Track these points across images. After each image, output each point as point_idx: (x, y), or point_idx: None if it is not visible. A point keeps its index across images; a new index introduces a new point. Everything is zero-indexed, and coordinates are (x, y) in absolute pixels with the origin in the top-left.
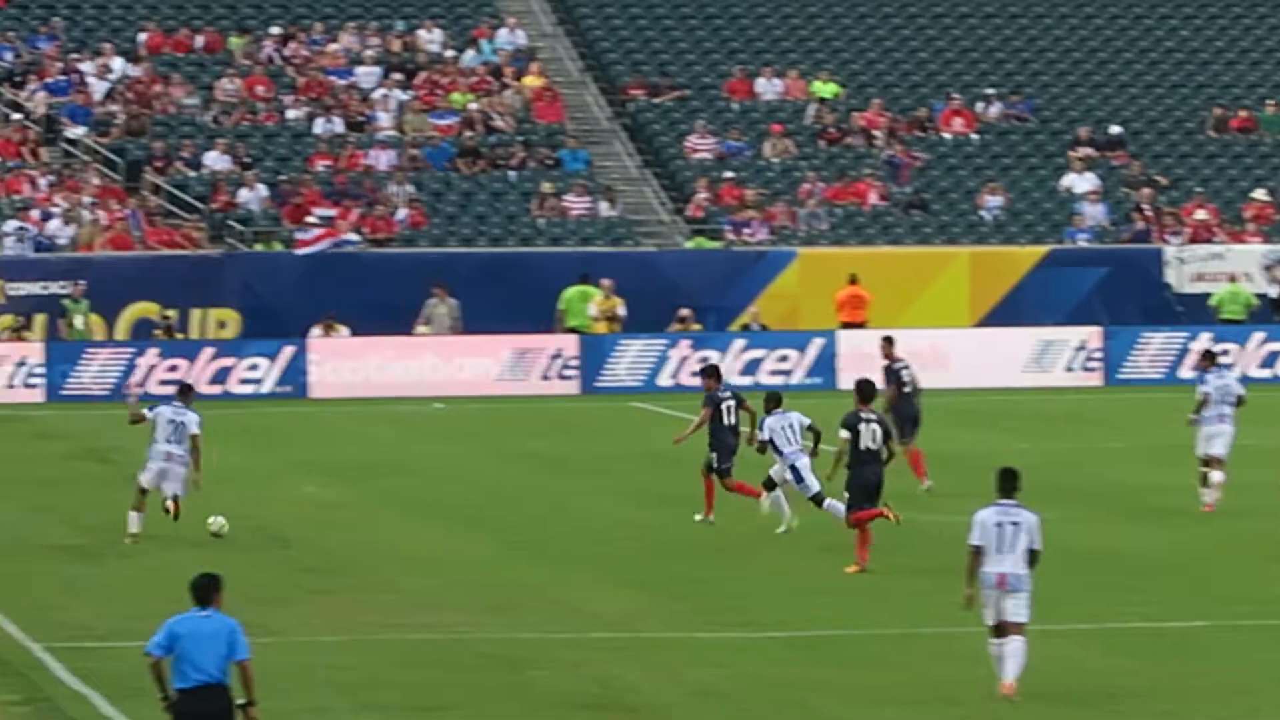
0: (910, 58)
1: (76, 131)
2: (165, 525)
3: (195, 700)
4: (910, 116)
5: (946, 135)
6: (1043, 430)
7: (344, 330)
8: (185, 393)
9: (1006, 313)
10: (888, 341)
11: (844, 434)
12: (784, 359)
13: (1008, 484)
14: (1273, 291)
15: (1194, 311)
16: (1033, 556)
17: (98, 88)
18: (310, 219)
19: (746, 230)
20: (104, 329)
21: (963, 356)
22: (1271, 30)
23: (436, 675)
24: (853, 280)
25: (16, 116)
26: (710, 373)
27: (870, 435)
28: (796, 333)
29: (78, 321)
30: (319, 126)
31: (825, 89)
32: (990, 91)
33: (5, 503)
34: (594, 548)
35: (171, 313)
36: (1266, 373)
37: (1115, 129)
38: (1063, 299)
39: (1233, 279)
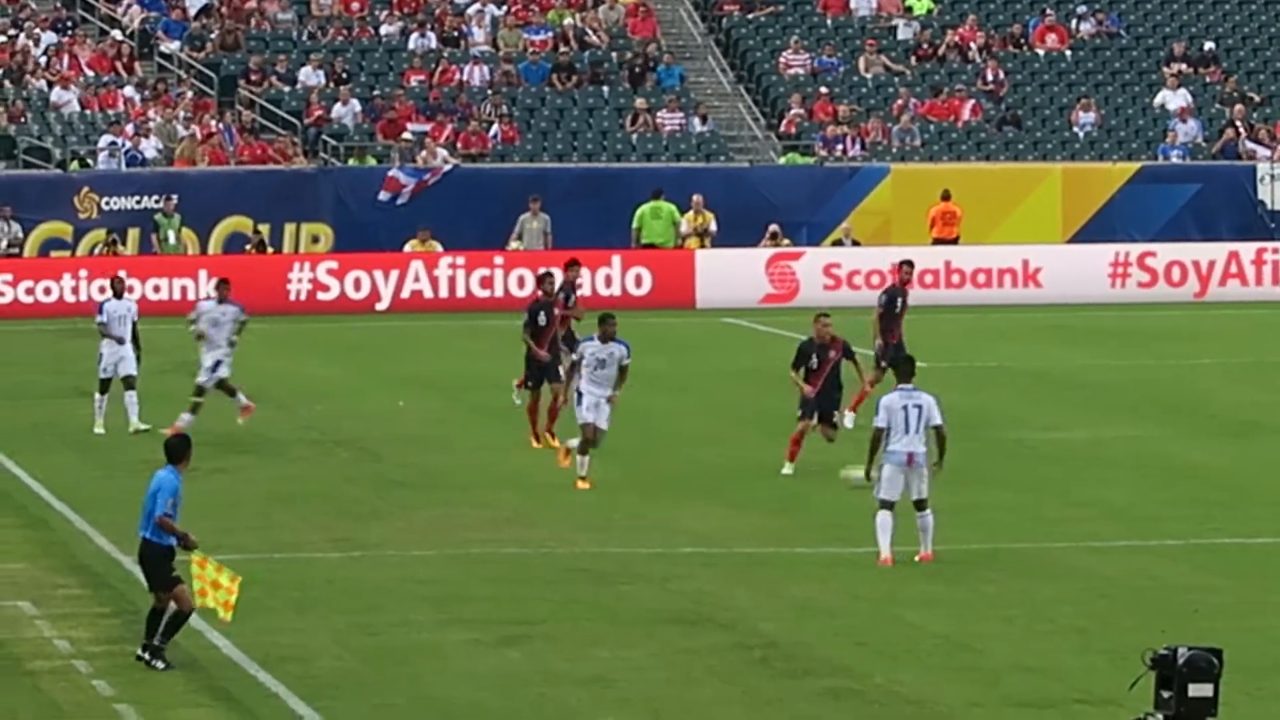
0: None
1: (170, 46)
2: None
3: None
4: (1004, 33)
5: (1040, 52)
6: (1133, 346)
7: (437, 245)
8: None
9: (1098, 229)
10: None
11: None
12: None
13: (907, 369)
14: None
15: None
16: (938, 434)
17: (192, 2)
18: (406, 135)
19: (839, 146)
20: (196, 244)
21: (1054, 273)
22: None
23: (525, 590)
24: (945, 196)
25: (112, 32)
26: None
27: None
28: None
29: (170, 236)
30: (413, 42)
31: (920, 5)
32: (1084, 8)
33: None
34: (690, 465)
35: (264, 228)
36: None
37: (1209, 45)
38: (1154, 216)
39: None
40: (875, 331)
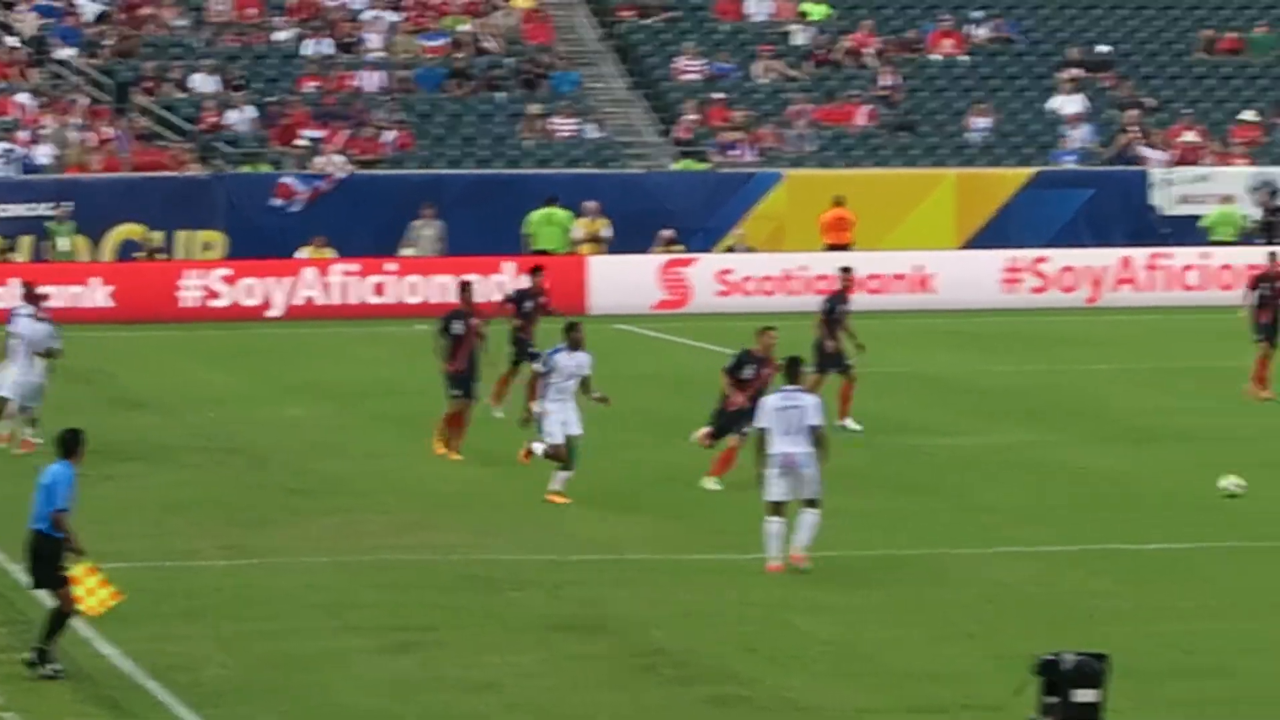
0: None
1: (66, 53)
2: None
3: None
4: (899, 38)
5: (936, 56)
6: (1028, 351)
7: (331, 251)
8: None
9: (993, 235)
10: None
11: None
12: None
13: (793, 371)
14: (1258, 214)
15: (1180, 234)
16: (815, 435)
17: (88, 9)
18: (300, 141)
19: (733, 152)
20: (89, 250)
21: (949, 278)
22: None
23: (417, 596)
24: (838, 202)
25: (6, 39)
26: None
27: None
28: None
29: (62, 243)
30: (308, 48)
31: (815, 11)
32: (979, 13)
33: None
34: (585, 471)
35: (156, 235)
36: None
37: (1104, 50)
38: (1049, 221)
39: (1225, 200)
40: (823, 336)
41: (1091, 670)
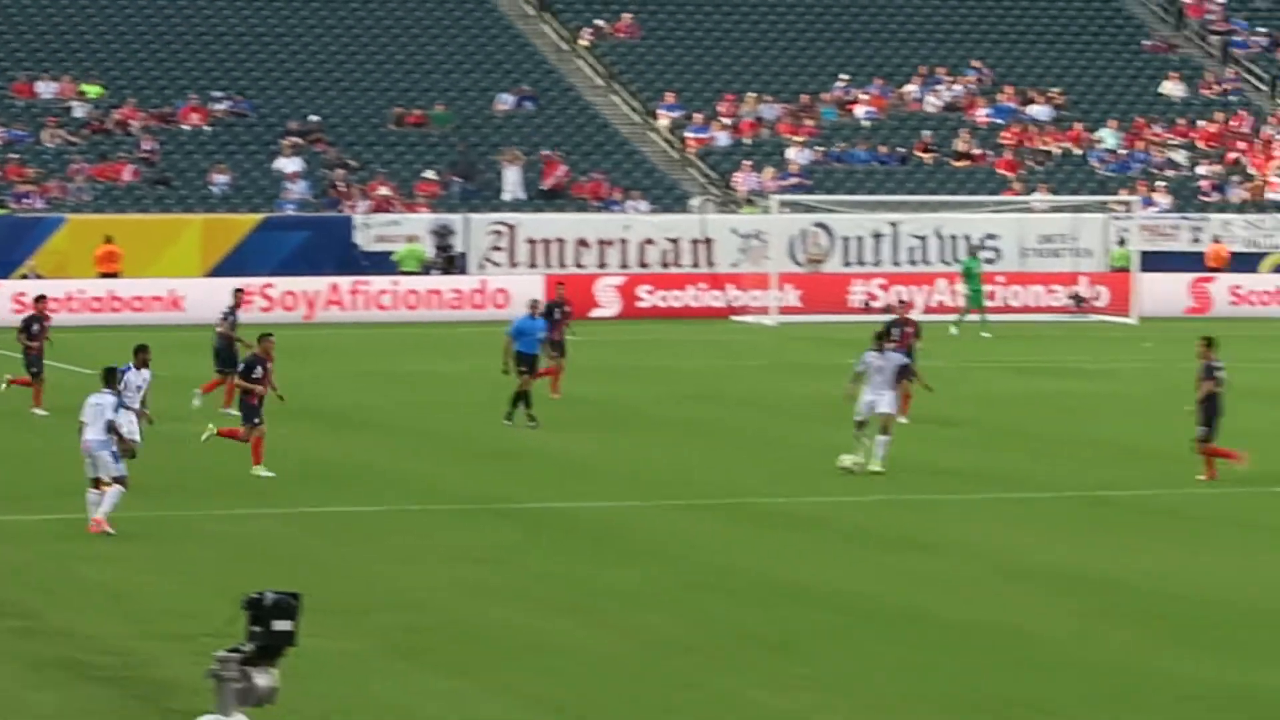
0: (158, 65)
1: None
2: None
3: None
4: (158, 112)
5: (186, 126)
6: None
7: None
8: None
9: (231, 266)
10: (1206, 343)
11: None
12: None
13: (108, 377)
14: (435, 251)
15: (376, 266)
16: (109, 425)
17: None
18: None
19: (26, 200)
20: None
21: (195, 300)
22: (452, 38)
23: None
24: (108, 240)
25: None
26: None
27: None
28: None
29: None
30: None
31: (91, 89)
32: (219, 93)
33: None
34: None
35: None
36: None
37: (315, 120)
38: (274, 255)
39: (410, 239)
40: (227, 342)
41: (287, 605)
